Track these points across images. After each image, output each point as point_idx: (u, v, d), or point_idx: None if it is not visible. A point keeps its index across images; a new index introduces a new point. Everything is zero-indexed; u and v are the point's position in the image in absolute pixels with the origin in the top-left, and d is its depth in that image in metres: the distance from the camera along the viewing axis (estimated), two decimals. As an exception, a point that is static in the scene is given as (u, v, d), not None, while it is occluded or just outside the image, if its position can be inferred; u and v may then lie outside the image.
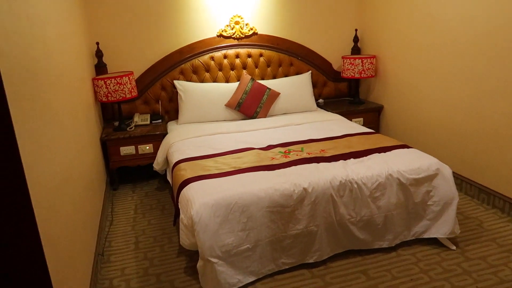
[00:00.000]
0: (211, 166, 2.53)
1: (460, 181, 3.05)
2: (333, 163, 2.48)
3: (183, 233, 2.14)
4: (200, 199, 2.09)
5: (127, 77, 3.27)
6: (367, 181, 2.30)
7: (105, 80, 3.19)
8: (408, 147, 2.69)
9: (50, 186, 1.57)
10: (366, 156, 2.57)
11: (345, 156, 2.58)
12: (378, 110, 3.99)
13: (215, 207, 2.06)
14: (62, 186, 1.79)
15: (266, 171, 2.39)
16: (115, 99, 3.24)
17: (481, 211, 2.79)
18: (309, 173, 2.32)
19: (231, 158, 2.65)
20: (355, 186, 2.28)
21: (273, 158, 2.61)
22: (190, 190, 2.21)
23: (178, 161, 2.71)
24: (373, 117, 3.97)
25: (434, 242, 2.43)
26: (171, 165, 2.80)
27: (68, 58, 2.41)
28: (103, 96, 3.23)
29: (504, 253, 2.30)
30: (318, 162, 2.49)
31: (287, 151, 2.74)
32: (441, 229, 2.37)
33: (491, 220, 2.65)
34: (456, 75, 3.00)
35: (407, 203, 2.37)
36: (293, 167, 2.43)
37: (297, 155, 2.65)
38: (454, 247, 2.37)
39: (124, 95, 3.27)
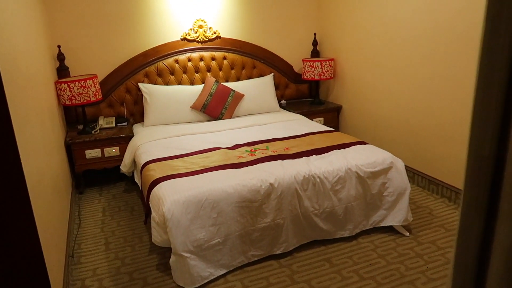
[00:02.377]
0: (180, 165, 2.60)
1: (412, 173, 3.30)
2: (296, 159, 2.63)
3: (155, 230, 2.20)
4: (171, 197, 2.16)
5: (91, 80, 3.27)
6: (328, 175, 2.47)
7: (69, 83, 3.17)
8: (365, 143, 2.89)
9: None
10: (327, 152, 2.74)
11: (307, 153, 2.73)
12: (337, 110, 4.21)
13: (186, 203, 2.15)
14: (34, 189, 1.82)
15: (234, 169, 2.50)
16: (79, 102, 3.24)
17: (431, 200, 3.04)
18: (274, 170, 2.45)
19: (199, 158, 2.74)
20: (318, 180, 2.44)
21: (240, 157, 2.72)
22: (161, 189, 2.28)
23: (147, 162, 2.76)
24: (332, 116, 4.19)
25: (390, 229, 2.63)
26: (139, 166, 2.84)
27: (33, 61, 2.40)
28: (67, 100, 3.22)
29: (451, 236, 2.54)
30: (282, 159, 2.63)
31: (253, 150, 2.86)
32: (396, 218, 2.58)
33: (440, 208, 2.91)
34: (406, 76, 3.26)
35: (365, 195, 2.56)
36: (259, 165, 2.56)
37: (262, 153, 2.78)
38: (407, 234, 2.58)
39: (88, 98, 3.26)
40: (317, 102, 4.24)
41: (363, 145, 2.84)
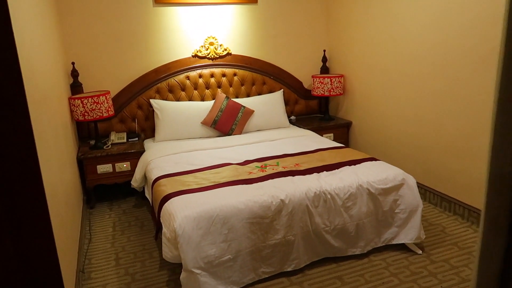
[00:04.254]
0: (191, 181, 2.61)
1: (424, 190, 3.27)
2: (307, 176, 2.63)
3: (166, 246, 2.20)
4: (182, 213, 2.17)
5: (104, 96, 3.32)
6: (339, 191, 2.46)
7: (82, 99, 3.23)
8: (375, 159, 2.88)
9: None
10: (337, 168, 2.74)
11: (318, 169, 2.73)
12: (347, 126, 4.21)
13: (197, 219, 2.15)
14: (49, 204, 1.83)
15: (244, 185, 2.51)
16: (92, 118, 3.28)
17: (444, 217, 3.00)
18: (285, 186, 2.45)
19: (210, 173, 2.75)
20: (329, 196, 2.42)
21: (251, 173, 2.73)
22: (172, 205, 2.29)
23: (158, 177, 2.78)
24: (342, 132, 4.19)
25: (402, 247, 2.60)
26: (150, 181, 2.86)
27: (48, 78, 2.46)
28: (80, 115, 3.27)
29: (465, 255, 2.50)
30: (293, 175, 2.63)
31: (263, 166, 2.86)
32: (408, 235, 2.55)
33: (453, 226, 2.87)
34: (417, 92, 3.26)
35: (377, 212, 2.54)
36: (270, 181, 2.56)
37: (273, 169, 2.78)
38: (420, 252, 2.55)
39: (101, 114, 3.31)
40: (326, 118, 4.24)
41: (373, 162, 2.83)
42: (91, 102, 3.25)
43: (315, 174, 2.66)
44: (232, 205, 2.24)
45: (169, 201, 2.34)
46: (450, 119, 2.97)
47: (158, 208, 2.42)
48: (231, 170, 2.80)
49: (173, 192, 2.44)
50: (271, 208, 2.29)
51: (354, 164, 2.79)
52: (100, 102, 3.30)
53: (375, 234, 2.56)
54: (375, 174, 2.60)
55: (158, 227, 2.41)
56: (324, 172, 2.69)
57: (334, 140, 4.06)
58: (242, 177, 2.64)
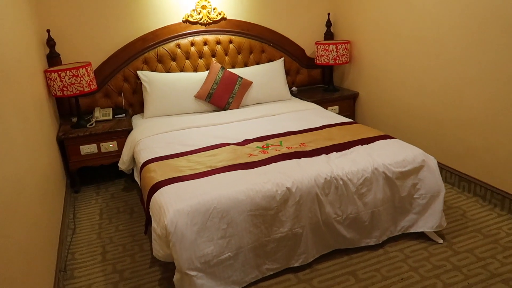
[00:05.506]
0: (184, 166, 2.31)
1: (440, 168, 2.97)
2: (315, 158, 2.33)
3: (156, 243, 1.93)
4: (174, 206, 1.88)
5: (84, 69, 2.95)
6: (352, 176, 2.16)
7: (59, 72, 2.86)
8: (390, 137, 2.58)
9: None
10: (348, 148, 2.44)
11: (327, 150, 2.43)
12: (353, 97, 3.87)
13: (191, 214, 1.86)
14: (14, 201, 1.53)
15: (244, 170, 2.21)
16: (71, 93, 2.93)
17: (463, 199, 2.74)
18: (291, 171, 2.15)
19: (205, 156, 2.44)
20: (341, 182, 2.14)
21: (251, 155, 2.42)
22: (163, 196, 1.99)
23: (147, 161, 2.47)
24: (348, 104, 3.86)
25: (420, 236, 2.34)
26: (139, 165, 2.55)
27: (14, 49, 2.09)
28: (58, 91, 2.91)
29: (491, 244, 2.25)
30: (299, 158, 2.33)
31: (265, 146, 2.55)
32: (428, 223, 2.29)
33: (474, 209, 2.61)
34: (434, 60, 2.91)
35: (394, 198, 2.26)
36: (273, 164, 2.26)
37: (276, 150, 2.48)
38: (441, 241, 2.29)
39: (81, 89, 2.95)
40: (331, 89, 3.90)
41: (388, 140, 2.53)
42: (70, 75, 2.88)
43: (323, 155, 2.36)
44: (231, 195, 1.95)
45: (159, 191, 2.05)
46: (472, 90, 2.65)
47: (147, 199, 2.13)
48: (229, 151, 2.49)
49: (164, 180, 2.13)
50: (276, 198, 2.00)
51: (367, 143, 2.49)
52: (80, 75, 2.93)
53: (391, 222, 2.29)
54: (392, 155, 2.31)
55: (148, 220, 2.12)
56: (334, 153, 2.39)
57: (339, 113, 3.75)
58: (241, 160, 2.33)
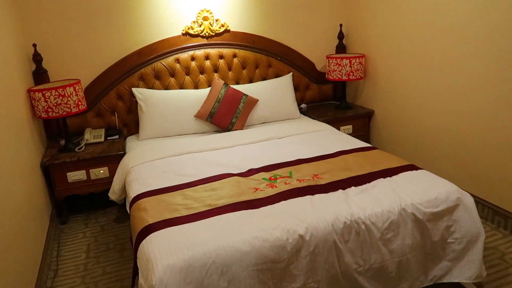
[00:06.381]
0: (179, 204, 1.99)
1: (470, 200, 2.65)
2: (331, 194, 2.01)
3: (143, 304, 1.61)
4: (164, 260, 1.56)
5: (71, 88, 2.66)
6: (376, 219, 1.84)
7: (44, 92, 2.57)
8: (416, 167, 2.25)
9: None
10: (369, 182, 2.11)
11: (344, 183, 2.11)
12: (368, 116, 3.55)
13: (185, 270, 1.54)
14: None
15: (249, 210, 1.89)
16: (57, 114, 2.64)
17: (499, 238, 2.40)
18: (304, 212, 1.83)
19: (205, 191, 2.13)
20: (363, 227, 1.81)
21: (257, 189, 2.10)
22: (152, 245, 1.67)
23: (138, 195, 2.16)
24: (363, 123, 3.54)
25: (454, 286, 2.00)
26: (130, 199, 2.24)
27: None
28: (42, 112, 2.62)
29: (539, 298, 1.91)
30: (312, 194, 2.01)
31: (272, 178, 2.24)
32: (464, 272, 1.95)
33: (513, 251, 2.27)
34: (462, 76, 2.59)
35: (424, 243, 1.93)
36: (282, 203, 1.94)
37: (285, 183, 2.16)
38: (479, 293, 1.96)
39: (69, 110, 2.66)
40: (343, 106, 3.58)
41: (414, 172, 2.20)
42: (55, 95, 2.60)
43: (340, 191, 2.04)
44: (233, 246, 1.63)
45: (148, 238, 1.73)
46: (506, 111, 2.32)
47: (135, 244, 1.81)
48: (231, 185, 2.17)
49: (155, 223, 1.82)
50: (287, 248, 1.68)
51: (390, 176, 2.17)
52: (67, 95, 2.64)
53: (421, 271, 1.95)
54: (421, 192, 1.98)
55: (135, 271, 1.80)
56: (352, 187, 2.07)
57: (353, 133, 3.45)
58: (245, 197, 2.01)
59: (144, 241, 1.73)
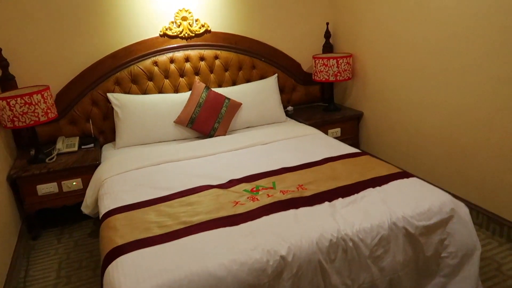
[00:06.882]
0: (152, 222, 1.83)
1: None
2: (316, 207, 1.87)
3: (108, 337, 1.45)
4: (131, 289, 1.40)
5: (39, 95, 2.48)
6: (365, 235, 1.70)
7: (8, 100, 2.39)
8: (407, 175, 2.11)
9: None
10: (357, 192, 1.97)
11: (330, 195, 1.96)
12: (357, 118, 3.42)
13: (153, 301, 1.39)
14: None
15: (227, 228, 1.73)
16: (24, 124, 2.46)
17: (495, 247, 2.28)
18: (286, 229, 1.68)
19: (180, 205, 1.97)
20: (350, 244, 1.67)
21: (237, 203, 1.95)
22: (118, 272, 1.51)
23: (109, 211, 2.00)
24: (352, 126, 3.40)
25: (450, 302, 1.87)
26: (100, 215, 2.07)
27: None
28: (8, 121, 2.44)
29: (540, 314, 1.79)
30: (296, 207, 1.86)
31: (254, 189, 2.08)
32: (460, 289, 1.82)
33: (511, 261, 2.14)
34: (454, 76, 2.46)
35: (417, 259, 1.80)
36: (264, 218, 1.79)
37: (268, 195, 2.01)
38: (476, 310, 1.83)
39: (36, 119, 2.48)
40: (332, 108, 3.44)
41: (405, 180, 2.06)
42: (21, 103, 2.42)
43: (326, 203, 1.89)
44: (207, 271, 1.47)
45: (115, 262, 1.57)
46: (504, 114, 2.20)
47: (102, 268, 1.65)
48: (210, 198, 2.02)
49: (124, 244, 1.66)
50: (267, 270, 1.53)
51: (379, 185, 2.03)
52: (34, 103, 2.46)
53: (414, 288, 1.82)
54: (413, 203, 1.84)
55: (102, 299, 1.64)
56: (339, 199, 1.93)
57: (342, 136, 3.32)
58: (224, 212, 1.86)
59: (110, 266, 1.57)
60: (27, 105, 2.43)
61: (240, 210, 1.88)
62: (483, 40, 2.23)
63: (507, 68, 2.13)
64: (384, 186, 2.01)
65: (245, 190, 2.08)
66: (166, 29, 3.05)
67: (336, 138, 3.27)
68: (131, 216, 1.91)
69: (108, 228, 1.85)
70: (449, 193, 2.52)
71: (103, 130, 3.04)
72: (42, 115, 2.51)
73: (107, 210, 2.01)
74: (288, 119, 3.34)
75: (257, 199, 1.97)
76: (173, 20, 3.06)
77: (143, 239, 1.69)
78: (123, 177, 2.36)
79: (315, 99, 3.69)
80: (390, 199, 1.88)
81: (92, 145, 2.87)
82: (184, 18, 3.07)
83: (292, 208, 1.86)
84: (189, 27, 3.10)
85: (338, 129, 3.32)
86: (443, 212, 1.82)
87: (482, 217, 2.44)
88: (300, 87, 3.59)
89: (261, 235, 1.65)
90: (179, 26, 3.07)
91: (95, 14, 2.87)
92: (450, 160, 2.61)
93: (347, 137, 3.35)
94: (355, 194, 1.96)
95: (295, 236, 1.63)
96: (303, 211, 1.83)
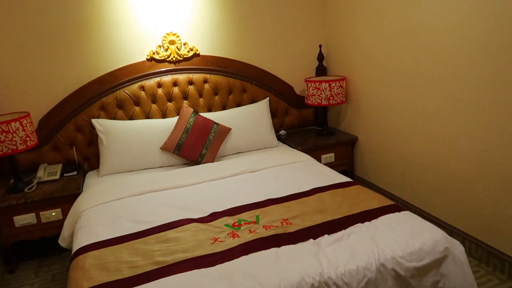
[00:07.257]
0: (124, 261, 1.71)
1: (462, 238, 2.38)
2: (299, 245, 1.74)
3: None
4: None
5: (17, 122, 2.40)
6: (350, 279, 1.57)
7: (-16, 128, 2.31)
8: (399, 209, 1.99)
9: None
10: (345, 228, 1.85)
11: (316, 231, 1.84)
12: (351, 143, 3.31)
13: None
14: None
15: (202, 269, 1.61)
16: (1, 153, 2.37)
17: (496, 284, 2.12)
18: (265, 272, 1.56)
19: (156, 242, 1.85)
20: (334, 289, 1.53)
21: (216, 239, 1.83)
22: (78, 322, 1.39)
23: (81, 248, 1.88)
24: (346, 151, 3.28)
25: None
26: (73, 251, 1.96)
27: None
28: (-16, 150, 2.35)
29: None
30: (279, 246, 1.74)
31: (236, 224, 1.96)
32: (456, 336, 1.67)
33: (513, 302, 1.99)
34: (450, 100, 2.36)
35: (408, 303, 1.66)
36: (242, 258, 1.67)
37: (250, 230, 1.89)
38: None
39: (14, 147, 2.40)
40: (325, 132, 3.34)
41: (397, 214, 1.94)
42: (-2, 131, 2.34)
43: (311, 241, 1.77)
44: (174, 323, 1.35)
45: (77, 310, 1.45)
46: (503, 143, 2.08)
47: (66, 315, 1.53)
48: (189, 234, 1.90)
49: (90, 288, 1.54)
50: (241, 321, 1.40)
51: (369, 220, 1.90)
52: (12, 131, 2.38)
53: (406, 336, 1.68)
54: (404, 241, 1.71)
55: None
56: (325, 236, 1.80)
57: (336, 161, 3.21)
58: (201, 251, 1.74)
59: (72, 315, 1.45)
60: (4, 133, 2.35)
61: (218, 248, 1.76)
62: (479, 64, 2.13)
63: (501, 97, 2.02)
64: (374, 222, 1.89)
65: (226, 225, 1.96)
66: (153, 53, 2.99)
67: (329, 163, 3.17)
68: (103, 254, 1.80)
69: (77, 268, 1.74)
70: (446, 224, 2.40)
71: (87, 157, 2.95)
72: (20, 143, 2.42)
73: (79, 247, 1.90)
74: (280, 143, 3.24)
75: (238, 236, 1.85)
76: (160, 44, 3.00)
77: (111, 282, 1.57)
78: (102, 209, 2.25)
79: (309, 122, 3.59)
80: (379, 236, 1.76)
81: (75, 172, 2.77)
82: (171, 42, 3.00)
83: (274, 246, 1.74)
84: (177, 51, 3.03)
85: (332, 154, 3.21)
86: (436, 251, 1.69)
87: (482, 251, 2.29)
88: (293, 111, 3.50)
89: (237, 279, 1.52)
90: (166, 50, 3.01)
91: (80, 38, 2.82)
92: (447, 189, 2.48)
93: (341, 163, 3.23)
94: (343, 231, 1.83)
95: (273, 280, 1.51)
96: (285, 250, 1.71)
